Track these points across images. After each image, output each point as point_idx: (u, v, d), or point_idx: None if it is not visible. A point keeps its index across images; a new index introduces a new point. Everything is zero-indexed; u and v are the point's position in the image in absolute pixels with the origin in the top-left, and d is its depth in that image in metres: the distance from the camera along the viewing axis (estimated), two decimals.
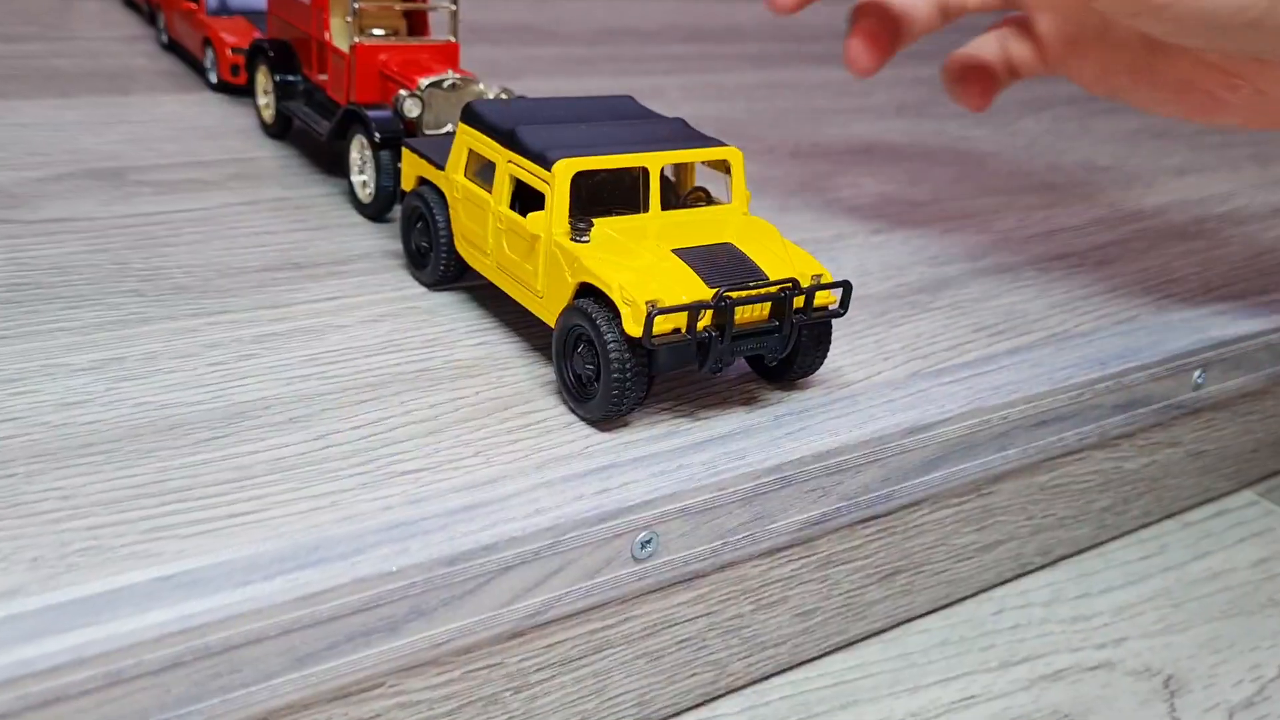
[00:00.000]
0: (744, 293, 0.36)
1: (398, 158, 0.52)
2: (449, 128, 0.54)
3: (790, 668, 0.43)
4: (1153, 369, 0.48)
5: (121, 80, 0.73)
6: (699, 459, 0.36)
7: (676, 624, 0.38)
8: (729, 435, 0.38)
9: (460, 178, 0.44)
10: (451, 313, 0.46)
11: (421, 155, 0.47)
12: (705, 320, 0.36)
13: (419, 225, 0.47)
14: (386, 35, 0.57)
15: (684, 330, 0.36)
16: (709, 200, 0.43)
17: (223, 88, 0.72)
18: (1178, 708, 0.43)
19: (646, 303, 0.35)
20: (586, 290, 0.37)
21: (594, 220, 0.39)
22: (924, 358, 0.45)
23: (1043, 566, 0.50)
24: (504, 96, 0.53)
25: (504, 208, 0.41)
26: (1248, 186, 0.75)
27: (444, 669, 0.33)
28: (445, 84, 0.53)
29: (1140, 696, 0.43)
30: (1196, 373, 0.50)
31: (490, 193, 0.42)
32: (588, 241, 0.38)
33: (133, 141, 0.62)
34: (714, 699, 0.41)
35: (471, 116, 0.43)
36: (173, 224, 0.52)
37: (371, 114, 0.53)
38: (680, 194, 0.44)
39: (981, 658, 0.44)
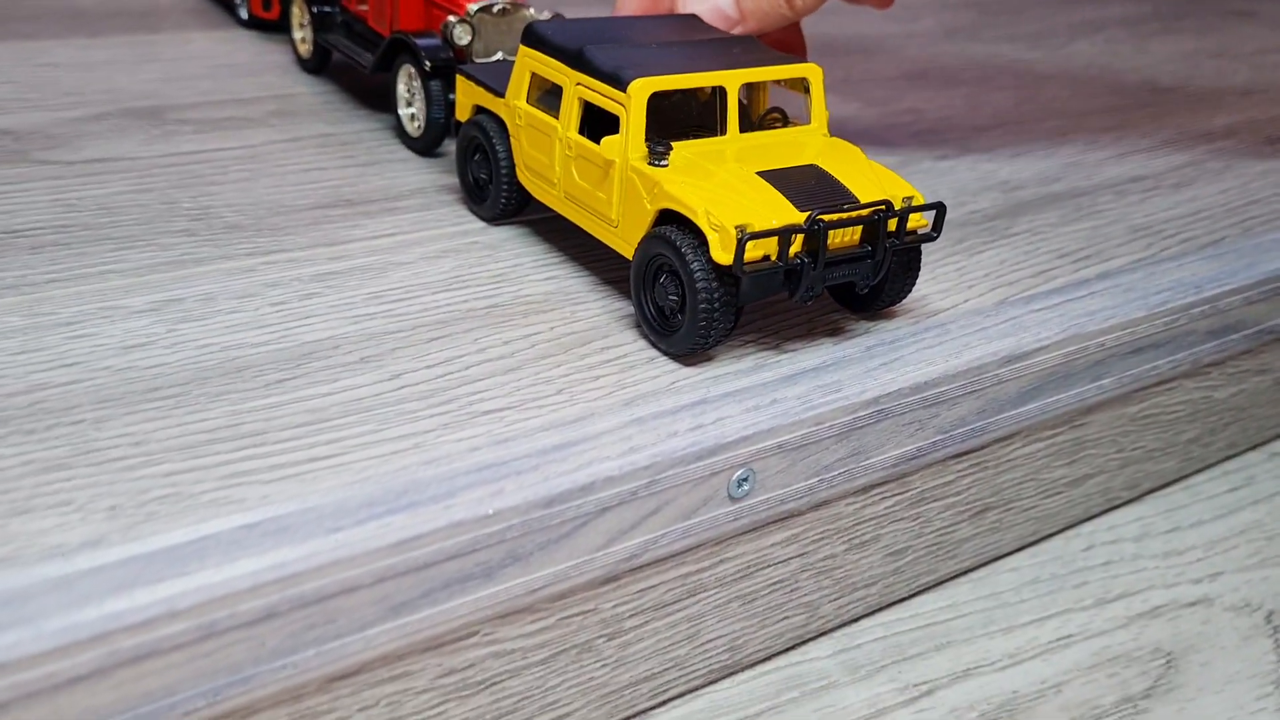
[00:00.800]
0: (837, 215, 0.34)
1: (449, 88, 0.49)
2: (499, 55, 0.51)
3: (881, 609, 0.41)
4: (1246, 292, 0.46)
5: (150, 18, 0.71)
6: (793, 393, 0.34)
7: (770, 565, 0.36)
8: (820, 368, 0.36)
9: (522, 104, 0.41)
10: (515, 247, 0.44)
11: (479, 82, 0.44)
12: (796, 246, 0.34)
13: (477, 157, 0.45)
14: None
15: (774, 257, 0.34)
16: (786, 121, 0.41)
17: (253, 24, 0.69)
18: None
19: (736, 228, 0.33)
20: (667, 217, 0.35)
21: (672, 144, 0.36)
22: (1010, 284, 0.43)
23: (1129, 501, 0.48)
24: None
25: (573, 133, 0.39)
26: None
27: (538, 616, 0.32)
28: (495, 8, 0.51)
29: (1242, 632, 0.41)
30: None
31: (557, 118, 0.40)
32: (667, 165, 0.36)
33: (167, 80, 0.60)
34: (805, 642, 0.39)
35: (534, 38, 0.41)
36: (217, 162, 0.50)
37: (419, 42, 0.50)
38: (754, 116, 0.42)
39: (1075, 595, 0.43)
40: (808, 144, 0.38)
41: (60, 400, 0.32)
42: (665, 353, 0.36)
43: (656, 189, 0.35)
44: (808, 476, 0.35)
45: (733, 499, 0.33)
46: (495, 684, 0.32)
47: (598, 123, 0.39)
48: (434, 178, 0.50)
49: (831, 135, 0.40)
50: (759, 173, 0.35)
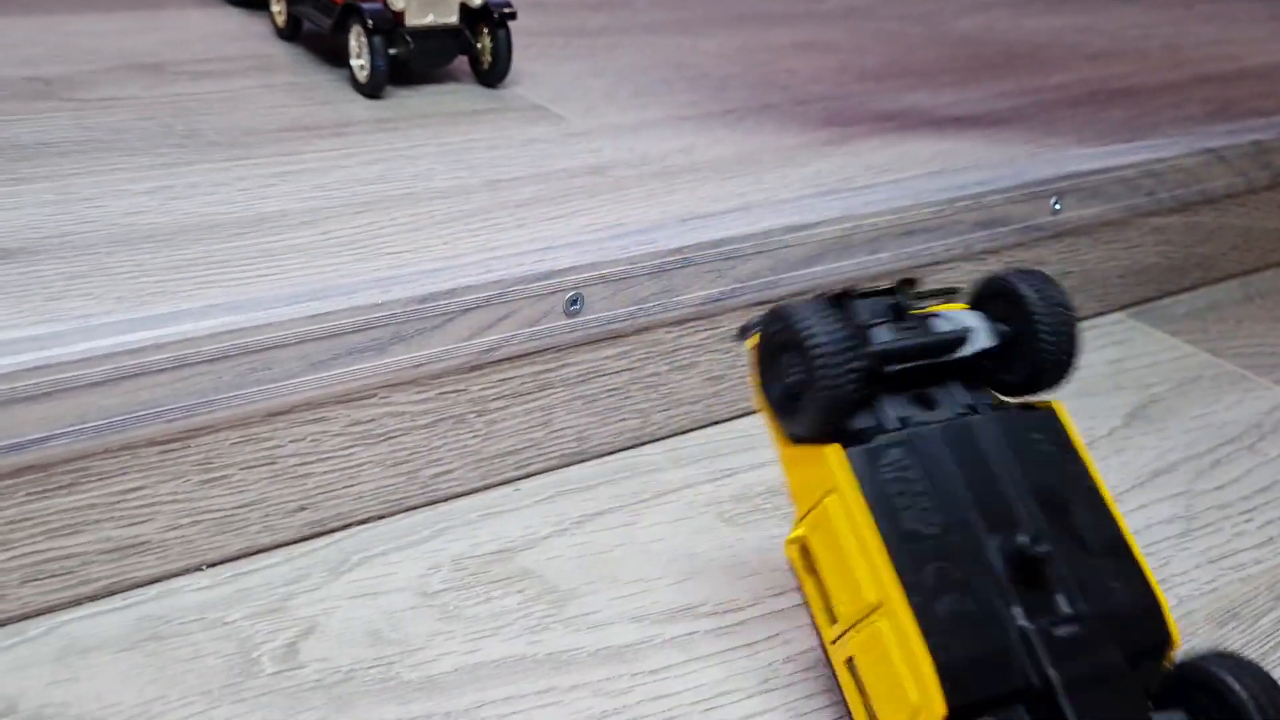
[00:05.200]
0: None
1: (388, 43, 0.62)
2: (430, 18, 0.64)
3: (705, 426, 0.53)
4: (1010, 193, 0.58)
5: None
6: (617, 243, 0.47)
7: (605, 375, 0.49)
8: (642, 229, 0.49)
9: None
10: (431, 160, 0.56)
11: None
12: None
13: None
14: None
15: None
16: None
17: (240, 2, 0.83)
18: None
19: None
20: None
21: None
22: (817, 185, 0.56)
23: None
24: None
25: None
26: (1104, 20, 0.85)
27: (422, 389, 0.44)
28: None
29: None
30: (1053, 200, 0.60)
31: None
32: None
33: (168, 44, 0.73)
34: (641, 444, 0.52)
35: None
36: (205, 100, 0.62)
37: (365, 7, 0.63)
38: None
39: None
40: None
41: (82, 241, 0.45)
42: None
43: None
44: (628, 304, 0.47)
45: (568, 315, 0.46)
46: (392, 438, 0.44)
47: None
48: (375, 114, 0.62)
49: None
50: None
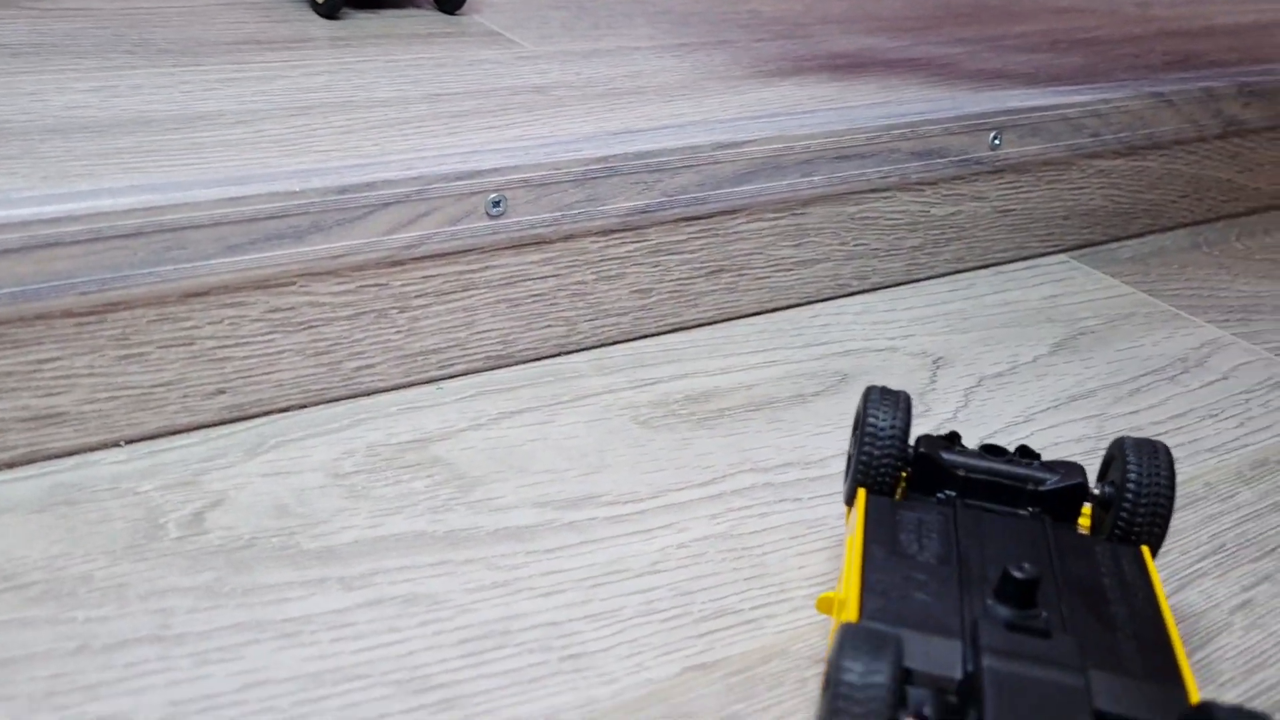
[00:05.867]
0: None
1: None
2: None
3: (633, 339, 0.55)
4: (948, 124, 0.59)
5: None
6: (543, 149, 0.48)
7: (530, 280, 0.50)
8: (571, 140, 0.50)
9: None
10: (376, 74, 0.57)
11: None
12: None
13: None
14: None
15: None
16: None
17: None
18: (938, 375, 0.54)
19: None
20: None
21: None
22: (754, 109, 0.57)
23: (861, 291, 0.62)
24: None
25: None
26: None
27: (342, 280, 0.45)
28: None
29: (910, 367, 0.55)
30: (992, 135, 0.61)
31: None
32: None
33: None
34: (567, 353, 0.53)
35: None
36: (163, 14, 0.64)
37: None
38: None
39: (791, 341, 0.56)
40: None
41: (18, 129, 0.46)
42: None
43: None
44: (552, 210, 0.48)
45: (490, 217, 0.47)
46: (312, 328, 0.45)
47: None
48: (329, 31, 0.63)
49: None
50: None
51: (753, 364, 0.54)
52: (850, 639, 0.26)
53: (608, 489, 0.44)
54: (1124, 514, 0.34)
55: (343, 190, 0.43)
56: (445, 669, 0.35)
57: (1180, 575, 0.42)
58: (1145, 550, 0.34)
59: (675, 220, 0.53)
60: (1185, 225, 0.75)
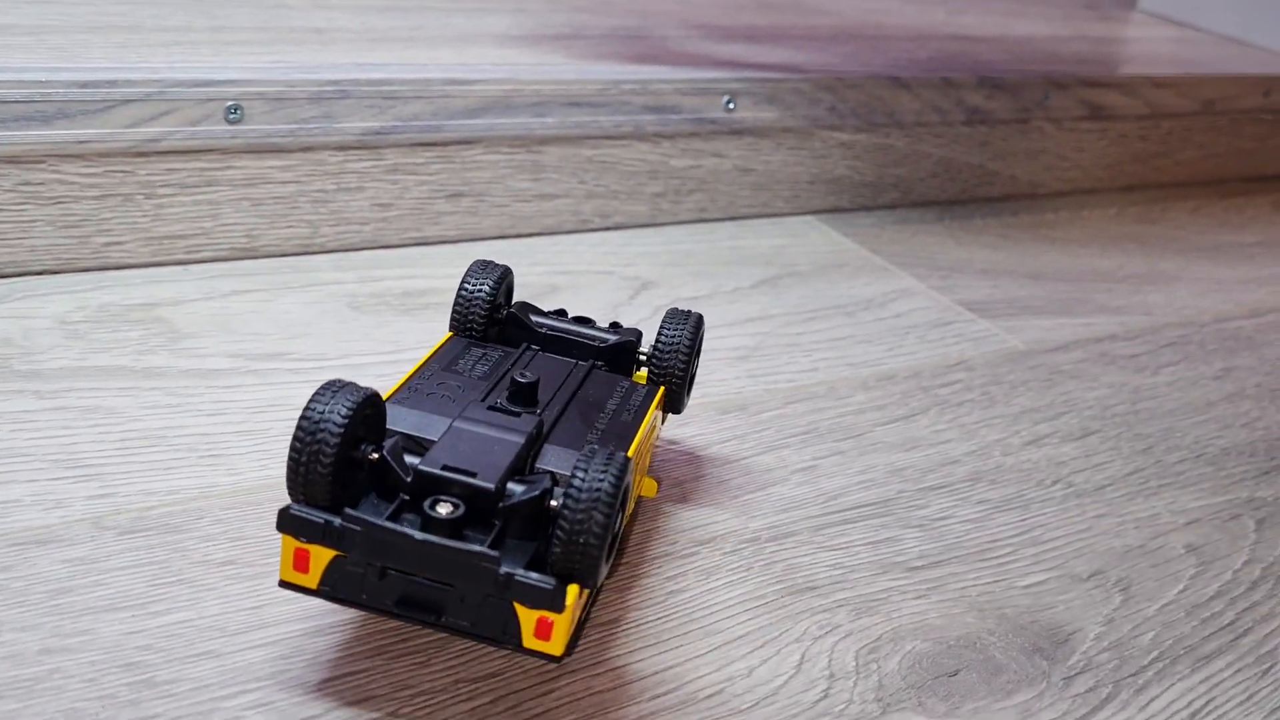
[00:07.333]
0: None
1: None
2: None
3: (374, 247, 0.63)
4: (678, 84, 0.67)
5: None
6: (280, 74, 0.56)
7: (271, 183, 0.58)
8: (318, 65, 0.58)
9: None
10: (174, 7, 0.66)
11: None
12: None
13: None
14: None
15: None
16: None
17: None
18: (639, 295, 0.63)
19: None
20: None
21: None
22: (497, 60, 0.65)
23: (604, 229, 0.70)
24: None
25: None
26: None
27: (89, 164, 0.53)
28: None
29: (617, 287, 0.63)
30: (725, 98, 0.69)
31: None
32: None
33: None
34: (311, 253, 0.61)
35: None
36: None
37: None
38: None
39: (519, 260, 0.64)
40: None
41: None
42: None
43: None
44: (289, 123, 0.57)
45: (229, 122, 0.55)
46: (63, 203, 0.53)
47: None
48: None
49: None
50: None
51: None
52: (321, 389, 0.34)
53: (300, 349, 0.52)
54: (654, 362, 0.43)
55: (85, 84, 0.51)
56: (99, 456, 0.43)
57: (767, 446, 0.50)
58: (661, 390, 0.42)
59: (411, 144, 0.61)
60: (937, 203, 0.84)
